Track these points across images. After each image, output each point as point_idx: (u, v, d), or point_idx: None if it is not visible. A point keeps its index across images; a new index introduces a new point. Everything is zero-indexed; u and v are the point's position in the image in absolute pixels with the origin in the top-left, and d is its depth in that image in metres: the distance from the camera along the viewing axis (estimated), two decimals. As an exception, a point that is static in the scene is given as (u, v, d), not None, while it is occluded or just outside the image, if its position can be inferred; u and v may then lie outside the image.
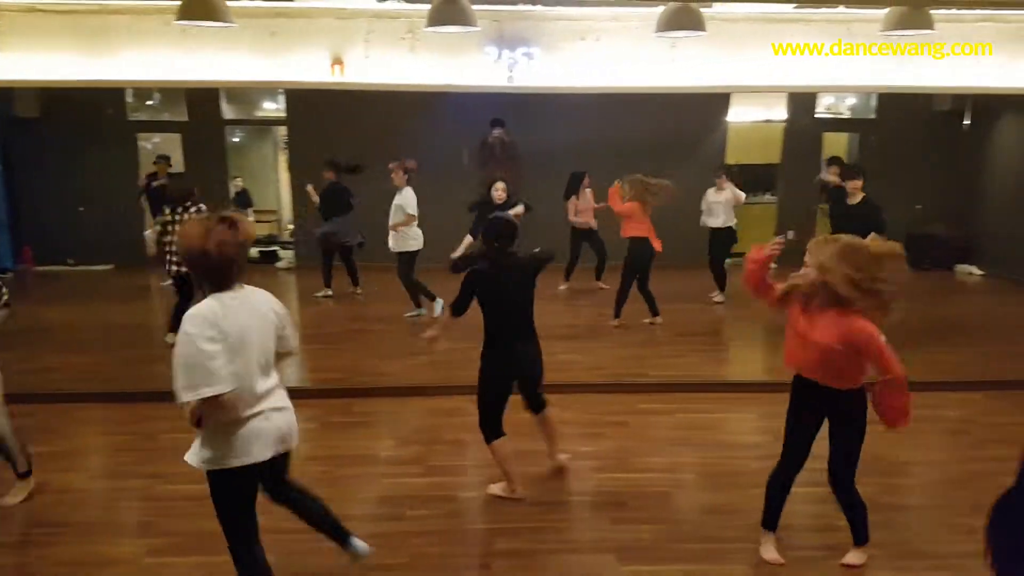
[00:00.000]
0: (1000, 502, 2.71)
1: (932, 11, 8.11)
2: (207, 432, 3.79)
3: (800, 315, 4.63)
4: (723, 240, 11.82)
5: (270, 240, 16.76)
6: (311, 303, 11.52)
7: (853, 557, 4.93)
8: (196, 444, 3.87)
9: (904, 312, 4.47)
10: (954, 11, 9.31)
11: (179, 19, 7.81)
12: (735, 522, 5.49)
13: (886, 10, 8.30)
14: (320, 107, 13.59)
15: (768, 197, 15.71)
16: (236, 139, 16.95)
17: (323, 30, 9.54)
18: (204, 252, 3.61)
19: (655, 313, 10.35)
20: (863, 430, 4.65)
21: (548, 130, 13.48)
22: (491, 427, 5.65)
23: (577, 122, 13.37)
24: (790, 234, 11.41)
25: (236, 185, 16.14)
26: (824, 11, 9.59)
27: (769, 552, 5.00)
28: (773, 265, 4.87)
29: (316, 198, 11.33)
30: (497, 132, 13.42)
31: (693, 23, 7.93)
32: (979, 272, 14.19)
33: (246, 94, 16.18)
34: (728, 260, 12.06)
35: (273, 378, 3.95)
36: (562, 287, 12.32)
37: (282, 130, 16.20)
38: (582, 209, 12.04)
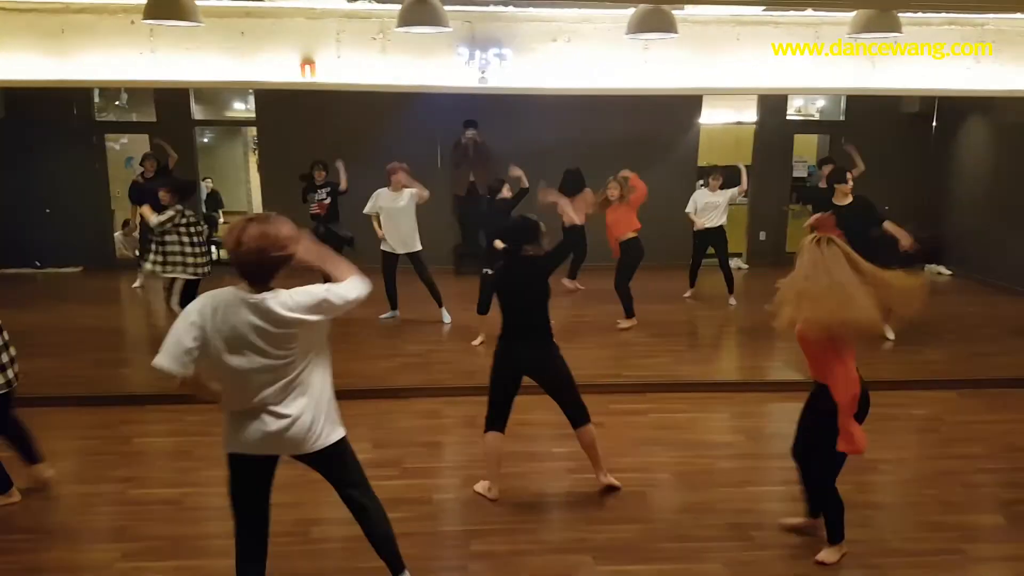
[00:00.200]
0: None
1: (899, 14, 8.18)
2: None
3: None
4: (722, 240, 11.85)
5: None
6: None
7: (826, 555, 4.96)
8: None
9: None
10: (920, 15, 9.39)
11: (146, 18, 7.74)
12: (710, 521, 5.52)
13: (854, 13, 8.37)
14: (290, 108, 13.52)
15: (739, 199, 15.78)
16: (206, 140, 16.85)
17: (293, 30, 9.48)
18: (231, 249, 3.72)
19: (631, 315, 10.39)
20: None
21: (520, 131, 13.48)
22: (489, 418, 5.72)
23: (550, 123, 13.38)
24: (761, 234, 11.60)
25: (206, 186, 16.05)
26: (793, 14, 9.64)
27: None
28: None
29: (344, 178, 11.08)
30: (470, 133, 13.43)
31: (664, 25, 7.96)
32: (947, 272, 14.33)
33: (215, 94, 16.10)
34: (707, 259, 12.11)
35: (288, 381, 3.85)
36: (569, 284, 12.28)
37: (252, 131, 16.13)
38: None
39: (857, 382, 4.57)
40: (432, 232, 10.98)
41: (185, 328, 3.68)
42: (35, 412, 7.13)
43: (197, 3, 7.80)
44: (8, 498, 5.65)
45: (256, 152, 15.91)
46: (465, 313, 10.27)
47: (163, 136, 13.34)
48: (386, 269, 10.21)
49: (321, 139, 13.70)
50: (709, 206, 11.72)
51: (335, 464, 4.19)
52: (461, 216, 14.14)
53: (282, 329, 3.72)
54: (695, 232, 11.86)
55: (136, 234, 14.96)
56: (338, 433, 4.09)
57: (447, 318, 10.44)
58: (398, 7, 7.93)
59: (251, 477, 4.05)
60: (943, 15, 9.59)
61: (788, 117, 15.36)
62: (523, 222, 5.68)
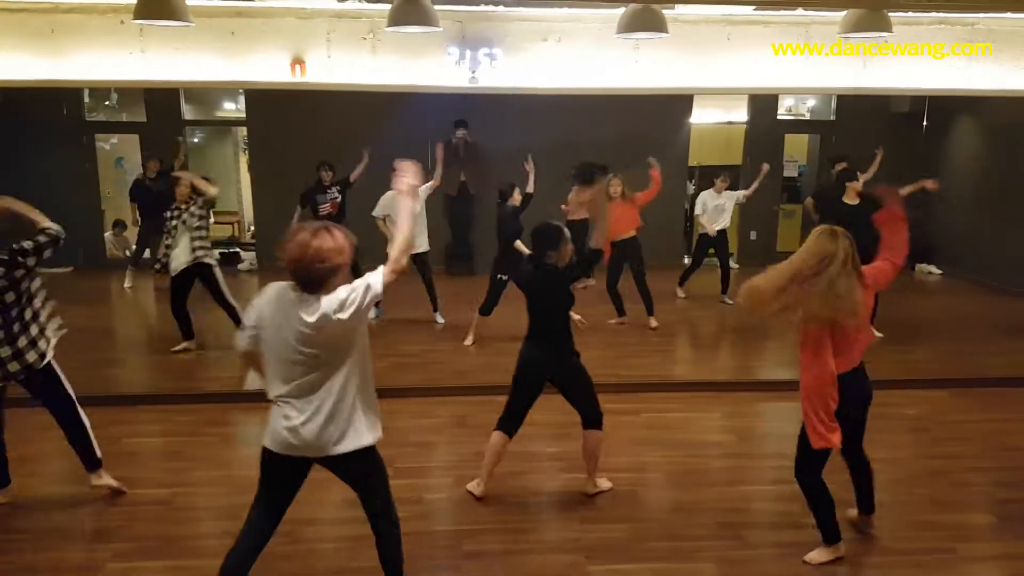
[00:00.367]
0: None
1: (890, 13, 8.19)
2: None
3: None
4: (724, 242, 11.84)
5: (231, 242, 16.62)
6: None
7: (814, 555, 4.96)
8: None
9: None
10: (911, 14, 9.41)
11: (136, 18, 7.73)
12: (702, 520, 5.52)
13: (844, 12, 8.38)
14: (281, 108, 13.49)
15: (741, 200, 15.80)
16: (196, 140, 16.80)
17: (283, 30, 9.46)
18: (280, 258, 3.89)
19: (622, 313, 10.40)
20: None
21: (511, 131, 13.45)
22: (501, 418, 5.75)
23: (540, 123, 13.35)
24: (752, 234, 11.61)
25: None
26: (784, 13, 9.65)
27: None
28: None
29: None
30: (461, 133, 13.42)
31: (654, 25, 7.95)
32: (938, 272, 14.36)
33: (206, 94, 16.05)
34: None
35: (314, 379, 3.90)
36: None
37: (242, 131, 16.09)
38: (573, 203, 11.80)
39: (829, 377, 4.53)
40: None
41: (251, 310, 4.03)
42: (25, 412, 7.11)
43: (187, 3, 7.78)
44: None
45: (246, 152, 15.85)
46: (457, 313, 10.26)
47: (153, 136, 13.31)
48: None
49: (312, 139, 13.68)
50: (717, 209, 11.69)
51: (354, 475, 4.22)
52: (452, 216, 14.13)
53: (310, 330, 3.79)
54: (701, 235, 11.83)
55: (126, 234, 14.95)
56: (358, 442, 4.01)
57: (440, 320, 10.43)
58: (388, 7, 7.92)
59: (273, 475, 4.11)
60: (933, 15, 9.60)
61: (779, 117, 15.38)
62: (547, 228, 5.65)
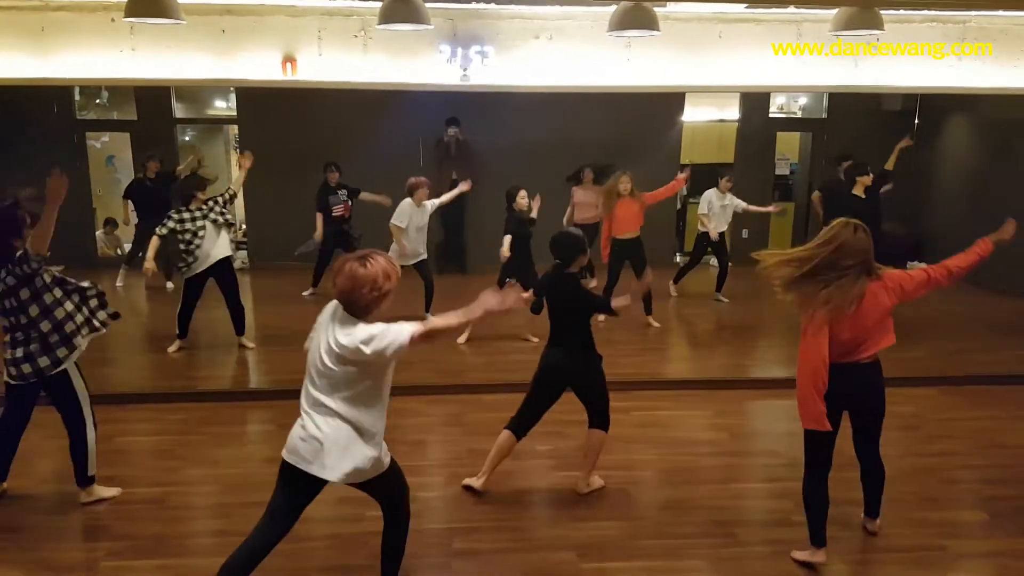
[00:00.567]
0: None
1: (881, 11, 8.19)
2: None
3: None
4: (724, 242, 11.82)
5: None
6: (270, 303, 11.45)
7: (798, 552, 4.97)
8: None
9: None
10: (902, 12, 9.41)
11: (127, 16, 7.70)
12: (693, 518, 5.54)
13: (836, 10, 8.37)
14: (272, 106, 13.45)
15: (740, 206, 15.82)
16: (187, 138, 16.74)
17: (274, 28, 9.43)
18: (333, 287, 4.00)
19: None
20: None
21: (503, 129, 13.47)
22: (514, 417, 5.82)
23: (532, 121, 13.36)
24: (744, 232, 11.62)
25: (179, 172, 15.94)
26: (775, 11, 9.65)
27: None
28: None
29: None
30: (452, 131, 13.40)
31: (646, 22, 7.93)
32: (928, 270, 14.37)
33: (197, 93, 16.00)
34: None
35: (328, 399, 3.97)
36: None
37: (234, 129, 16.05)
38: (580, 203, 11.82)
39: (820, 361, 4.60)
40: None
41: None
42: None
43: (178, 1, 7.75)
44: None
45: (238, 150, 15.82)
46: (443, 312, 10.24)
47: (143, 133, 13.28)
48: None
49: (303, 137, 13.68)
50: (724, 209, 11.67)
51: (366, 490, 4.30)
52: (443, 215, 14.10)
53: (338, 349, 3.87)
54: (700, 234, 11.83)
55: (117, 232, 14.92)
56: (346, 474, 4.02)
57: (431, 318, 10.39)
58: (379, 4, 7.89)
59: (283, 483, 4.15)
60: (925, 12, 9.61)
61: (770, 115, 15.38)
62: (567, 238, 5.74)
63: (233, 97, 15.05)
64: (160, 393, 7.96)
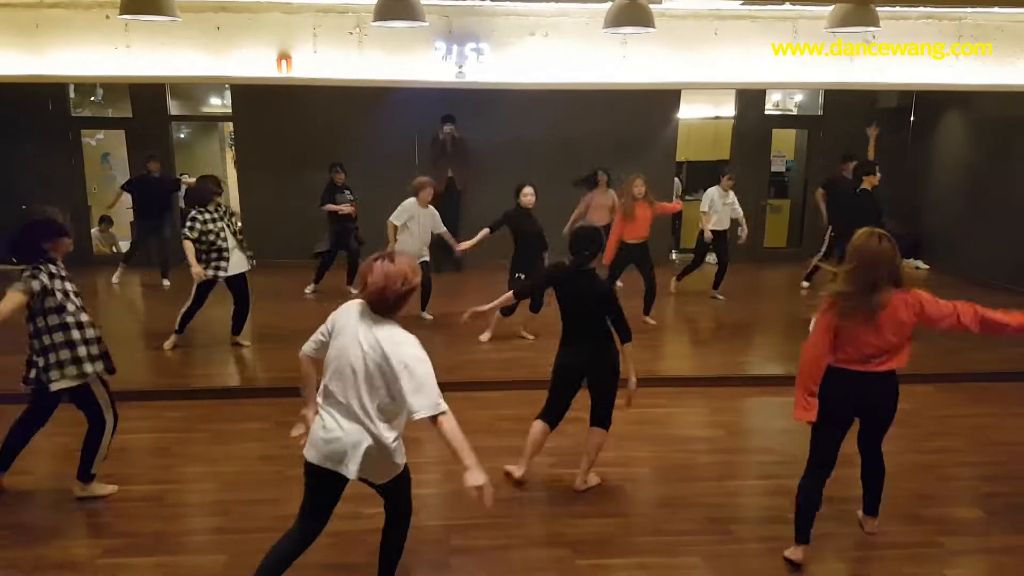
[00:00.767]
0: None
1: (877, 8, 8.19)
2: None
3: None
4: (725, 240, 11.76)
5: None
6: (265, 301, 11.44)
7: (790, 552, 4.98)
8: None
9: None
10: (898, 8, 9.42)
11: (122, 13, 7.68)
12: (689, 515, 5.54)
13: (831, 7, 8.37)
14: (267, 103, 13.43)
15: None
16: (182, 136, 16.73)
17: (269, 25, 9.43)
18: (360, 288, 4.05)
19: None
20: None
21: (498, 126, 13.47)
22: (543, 409, 5.90)
23: (528, 118, 13.35)
24: (739, 229, 11.61)
25: (184, 182, 15.94)
26: (771, 8, 9.65)
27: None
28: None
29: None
30: (448, 128, 13.38)
31: (642, 19, 7.93)
32: (925, 267, 14.39)
33: (191, 90, 15.99)
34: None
35: (353, 399, 3.99)
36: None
37: (229, 126, 16.04)
38: (597, 205, 11.71)
39: (812, 358, 4.71)
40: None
41: (329, 321, 4.13)
42: (14, 409, 7.09)
43: (172, -3, 7.75)
44: None
45: (232, 148, 15.81)
46: (443, 308, 10.24)
47: (138, 131, 13.27)
48: None
49: (298, 135, 13.67)
50: (726, 208, 11.63)
51: (379, 490, 4.35)
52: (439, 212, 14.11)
53: (381, 347, 3.92)
54: (702, 232, 11.80)
55: (112, 230, 14.90)
56: (368, 472, 4.13)
57: (428, 316, 10.40)
58: (374, 1, 7.88)
59: (310, 483, 4.19)
60: (921, 9, 9.61)
61: (766, 112, 15.39)
62: (593, 232, 5.82)
63: (228, 94, 15.04)
64: (158, 391, 7.94)
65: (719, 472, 6.28)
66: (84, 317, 5.51)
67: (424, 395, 3.89)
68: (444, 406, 3.95)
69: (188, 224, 8.55)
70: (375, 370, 3.92)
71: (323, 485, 4.12)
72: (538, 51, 9.67)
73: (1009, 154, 12.55)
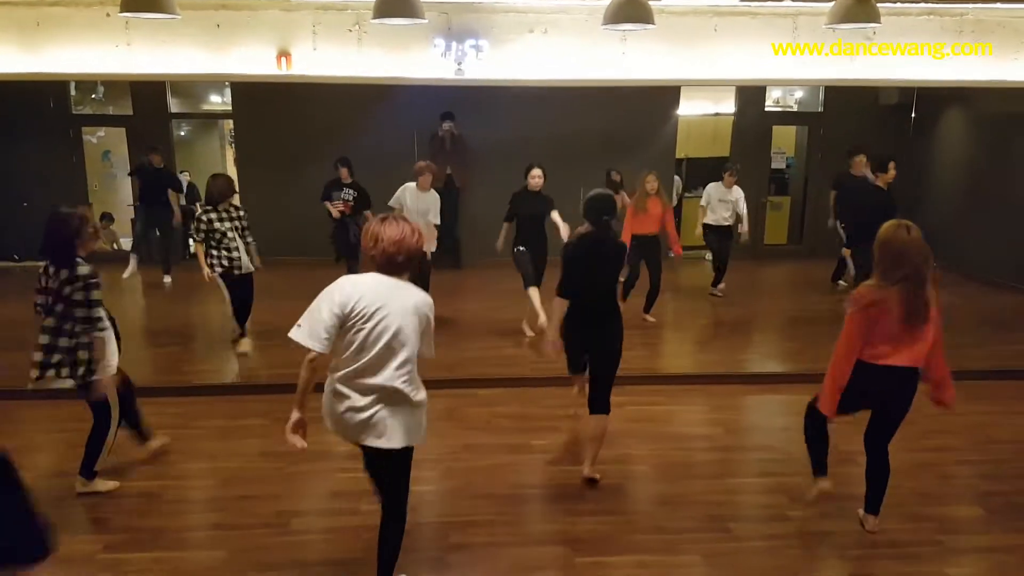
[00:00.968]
0: None
1: (878, 3, 8.17)
2: None
3: None
4: (730, 236, 11.73)
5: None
6: (264, 298, 11.42)
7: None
8: None
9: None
10: (899, 4, 9.41)
11: (122, 11, 7.68)
12: (688, 513, 5.53)
13: (832, 3, 8.35)
14: (267, 100, 13.44)
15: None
16: (182, 133, 16.74)
17: (269, 22, 9.43)
18: (369, 248, 4.06)
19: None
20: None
21: (498, 123, 13.46)
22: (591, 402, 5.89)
23: (527, 115, 13.35)
24: (741, 228, 11.59)
25: (184, 179, 15.96)
26: (771, 4, 9.64)
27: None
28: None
29: None
30: (447, 125, 13.39)
31: (641, 16, 7.91)
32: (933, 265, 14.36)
33: (192, 87, 16.00)
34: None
35: (387, 375, 4.03)
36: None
37: (229, 124, 16.05)
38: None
39: (843, 352, 4.83)
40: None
41: (345, 303, 3.97)
42: (14, 405, 7.12)
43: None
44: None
45: (232, 145, 15.82)
46: (443, 307, 10.23)
47: (139, 128, 13.27)
48: None
49: (298, 132, 13.68)
50: (722, 204, 11.59)
51: (383, 467, 4.31)
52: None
53: (421, 311, 4.07)
54: (705, 226, 11.72)
55: (113, 227, 14.91)
56: (404, 440, 4.16)
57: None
58: (374, -2, 7.89)
59: (365, 458, 4.32)
60: (922, 5, 9.60)
61: (766, 108, 15.38)
62: (603, 195, 5.80)
63: (228, 92, 15.04)
64: (159, 387, 7.94)
65: (718, 470, 6.28)
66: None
67: (432, 341, 4.18)
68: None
69: (194, 226, 8.59)
70: (415, 332, 4.04)
71: (367, 457, 4.29)
72: (537, 48, 9.67)
73: (1010, 151, 12.54)
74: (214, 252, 8.51)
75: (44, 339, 5.42)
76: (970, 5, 9.63)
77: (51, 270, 5.39)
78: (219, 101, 16.30)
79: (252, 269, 8.83)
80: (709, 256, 12.25)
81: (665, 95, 14.22)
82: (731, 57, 9.83)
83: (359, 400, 4.03)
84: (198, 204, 15.54)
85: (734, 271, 11.75)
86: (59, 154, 14.11)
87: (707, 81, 11.44)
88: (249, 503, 5.61)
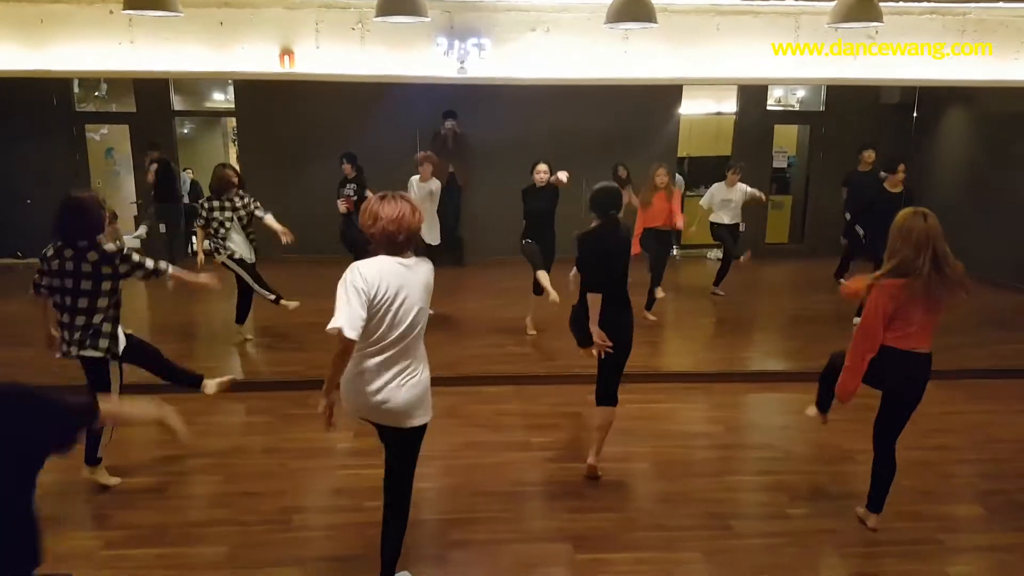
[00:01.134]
0: None
1: (880, 2, 8.17)
2: None
3: None
4: (736, 236, 11.69)
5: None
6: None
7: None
8: None
9: None
10: (901, 3, 9.40)
11: (126, 8, 7.69)
12: (689, 510, 5.54)
13: (834, 1, 8.35)
14: (269, 98, 13.45)
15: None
16: (186, 131, 16.75)
17: (272, 20, 9.42)
18: (368, 225, 4.07)
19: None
20: None
21: (500, 122, 13.47)
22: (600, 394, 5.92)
23: (529, 114, 13.35)
24: (741, 226, 11.61)
25: (188, 176, 16.00)
26: (773, 3, 9.64)
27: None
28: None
29: None
30: (449, 124, 13.40)
31: (643, 14, 7.91)
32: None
33: (195, 85, 16.02)
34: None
35: (412, 354, 4.19)
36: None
37: (232, 121, 16.06)
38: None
39: (861, 333, 4.95)
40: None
41: (368, 291, 3.95)
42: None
43: (176, -7, 7.76)
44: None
45: (235, 143, 15.83)
46: (443, 305, 10.25)
47: (142, 125, 13.31)
48: None
49: (300, 130, 13.69)
50: (724, 203, 11.58)
51: (396, 447, 4.37)
52: (440, 208, 14.11)
53: (429, 288, 4.22)
54: (713, 224, 11.69)
55: (117, 224, 14.91)
56: (425, 418, 4.29)
57: (430, 311, 10.38)
58: (377, -4, 7.90)
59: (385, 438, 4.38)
60: (924, 4, 9.60)
61: (768, 107, 15.38)
62: (612, 186, 5.86)
63: (231, 89, 15.06)
64: (159, 384, 7.94)
65: (719, 467, 6.30)
66: None
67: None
68: None
69: (198, 212, 8.89)
70: (427, 305, 4.21)
71: (384, 435, 4.36)
72: (539, 47, 9.66)
73: (1012, 151, 12.53)
74: (212, 238, 8.75)
75: (80, 319, 5.58)
76: (972, 4, 9.62)
77: (67, 252, 5.36)
78: (222, 99, 16.31)
79: (252, 261, 8.87)
80: (711, 255, 12.25)
81: (667, 94, 14.22)
82: (733, 56, 9.82)
83: (386, 380, 4.09)
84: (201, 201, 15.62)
85: (735, 270, 11.75)
86: (62, 151, 14.14)
87: (709, 80, 11.43)
88: (251, 500, 5.63)
